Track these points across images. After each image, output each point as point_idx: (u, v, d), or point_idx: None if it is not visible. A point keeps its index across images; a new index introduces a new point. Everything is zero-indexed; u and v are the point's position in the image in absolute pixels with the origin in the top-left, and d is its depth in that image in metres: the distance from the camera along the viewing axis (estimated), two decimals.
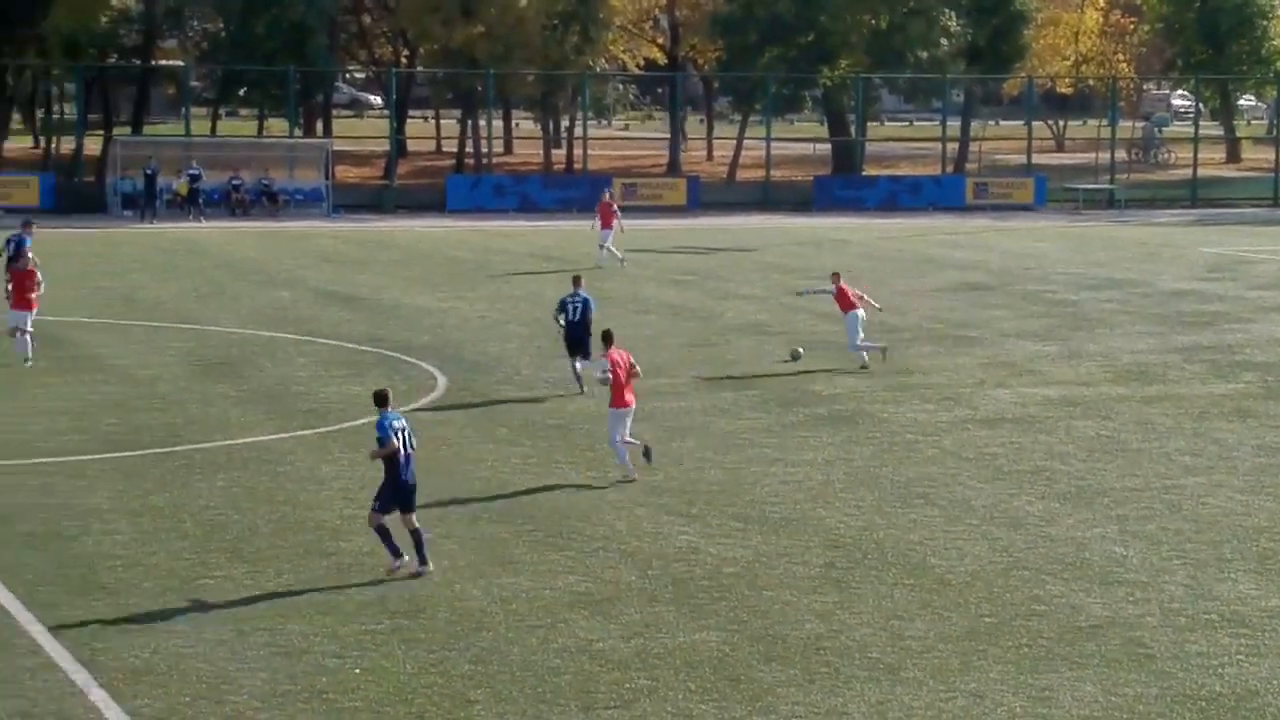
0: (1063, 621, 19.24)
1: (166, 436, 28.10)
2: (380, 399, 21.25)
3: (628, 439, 25.79)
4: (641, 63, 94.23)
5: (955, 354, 37.25)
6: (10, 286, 34.73)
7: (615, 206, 54.22)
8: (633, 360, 26.11)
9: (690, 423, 29.71)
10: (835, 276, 35.85)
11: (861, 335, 35.02)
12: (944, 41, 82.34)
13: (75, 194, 68.69)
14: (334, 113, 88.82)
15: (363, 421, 28.11)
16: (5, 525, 22.38)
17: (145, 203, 66.93)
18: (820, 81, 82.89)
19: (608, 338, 26.51)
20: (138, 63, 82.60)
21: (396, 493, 20.88)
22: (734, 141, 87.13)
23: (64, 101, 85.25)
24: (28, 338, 34.00)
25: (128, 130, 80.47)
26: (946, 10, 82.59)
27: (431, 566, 20.83)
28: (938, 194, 78.87)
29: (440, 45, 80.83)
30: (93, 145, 75.71)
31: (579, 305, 32.27)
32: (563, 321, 32.23)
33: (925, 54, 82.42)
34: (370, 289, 46.67)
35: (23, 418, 29.10)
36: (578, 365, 31.92)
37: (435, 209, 71.95)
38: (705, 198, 76.47)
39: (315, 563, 21.23)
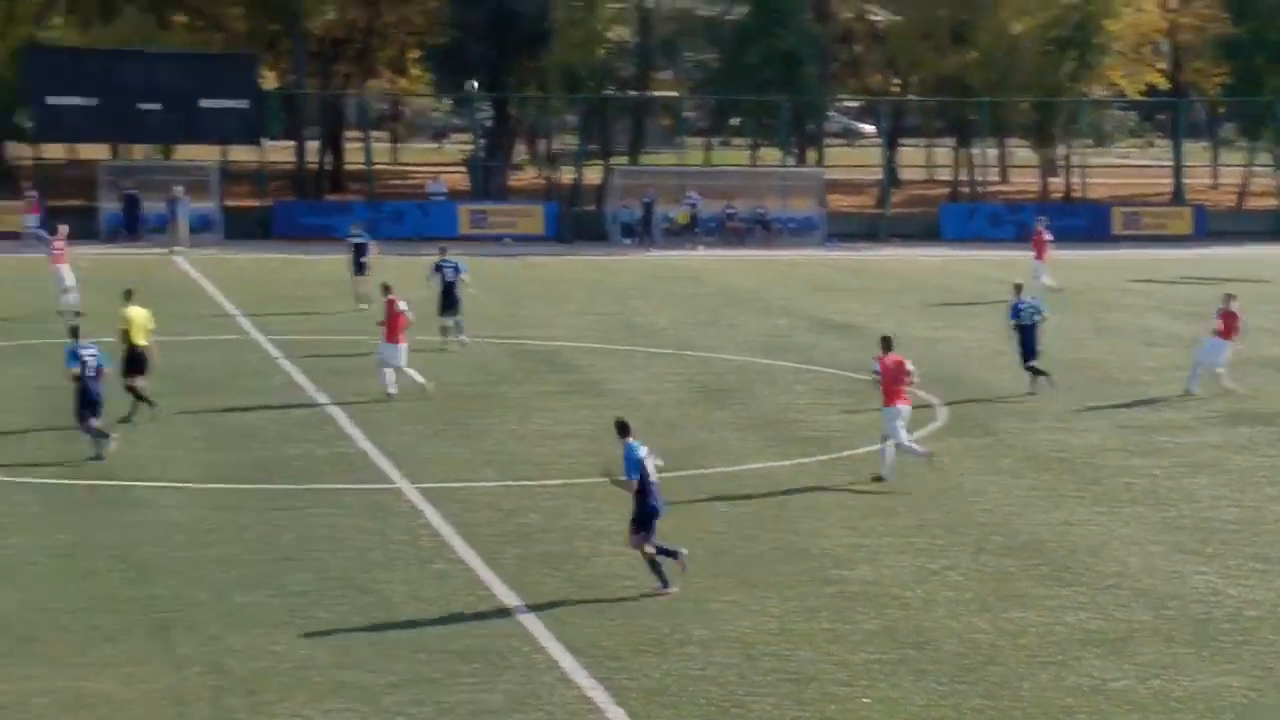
0: None
1: (669, 462, 28.38)
2: (622, 429, 21.19)
3: (908, 444, 26.77)
4: (1143, 88, 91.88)
5: None
6: (386, 319, 33.55)
7: (1049, 237, 52.91)
8: (909, 367, 26.96)
9: (1204, 459, 28.65)
10: (1228, 298, 35.29)
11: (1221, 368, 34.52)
12: None
13: (577, 222, 70.63)
14: (826, 141, 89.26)
15: (864, 450, 27.97)
16: (525, 545, 23.00)
17: (643, 231, 68.47)
18: None
19: (887, 342, 27.19)
20: (634, 94, 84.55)
21: (646, 518, 20.82)
22: (1241, 168, 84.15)
23: (564, 133, 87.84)
24: (389, 372, 32.91)
25: (625, 160, 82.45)
26: None
27: (675, 589, 20.79)
28: None
29: (932, 73, 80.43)
30: (592, 175, 77.80)
31: (1033, 310, 34.50)
32: (1014, 324, 34.64)
33: None
34: (866, 317, 46.57)
35: (534, 440, 29.92)
36: (1035, 363, 34.61)
37: (929, 237, 71.48)
38: (1212, 227, 74.06)
39: (820, 590, 21.18)
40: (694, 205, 69.47)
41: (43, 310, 42.81)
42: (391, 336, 33.07)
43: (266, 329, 42.20)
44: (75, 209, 66.75)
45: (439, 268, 40.23)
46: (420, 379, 33.07)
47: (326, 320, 43.97)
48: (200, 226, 64.38)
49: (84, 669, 18.01)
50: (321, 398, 33.14)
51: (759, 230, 70.39)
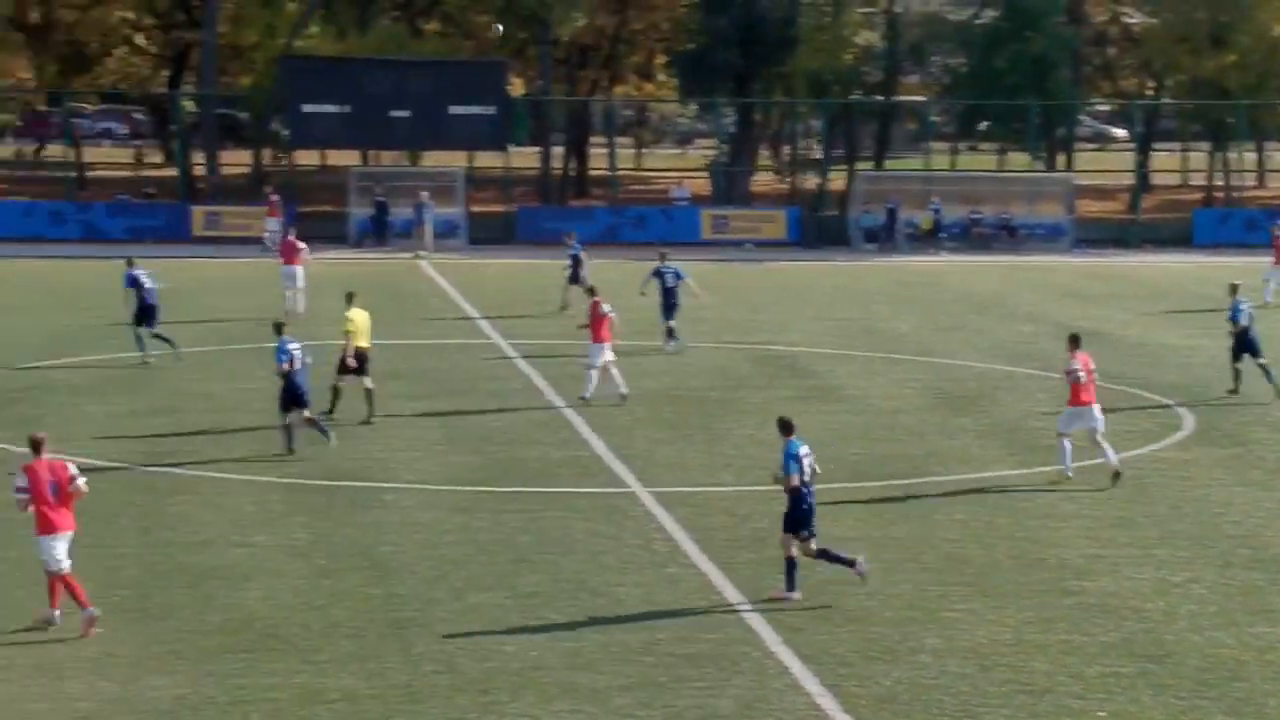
0: None
1: (908, 468, 28.22)
2: (785, 427, 21.02)
3: (1067, 446, 26.81)
4: None
5: None
6: (591, 321, 33.56)
7: None
8: (1092, 366, 27.22)
9: None
10: None
11: None
12: None
13: (819, 227, 70.37)
14: (1076, 146, 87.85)
15: (1099, 461, 27.39)
16: (759, 550, 22.80)
17: (886, 236, 67.99)
18: None
19: (1076, 340, 27.32)
20: (880, 99, 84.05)
21: (800, 517, 20.58)
22: None
23: (808, 138, 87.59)
24: (593, 374, 32.84)
25: (869, 165, 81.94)
26: None
27: (798, 594, 20.57)
28: None
29: (1188, 75, 78.71)
30: (836, 180, 77.42)
31: (1252, 313, 34.71)
32: (1235, 327, 34.47)
33: None
34: (1113, 325, 45.70)
35: (772, 446, 29.37)
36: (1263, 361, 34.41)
37: (1181, 244, 69.89)
38: None
39: (1057, 601, 20.82)
40: (937, 211, 68.80)
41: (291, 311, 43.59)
42: (597, 337, 33.24)
43: (508, 333, 42.67)
44: (325, 214, 68.29)
45: (659, 273, 40.44)
46: (590, 390, 33.03)
47: (567, 325, 44.20)
48: (445, 231, 65.29)
49: (323, 665, 18.32)
50: (559, 401, 33.38)
51: (1005, 236, 69.47)
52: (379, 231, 66.26)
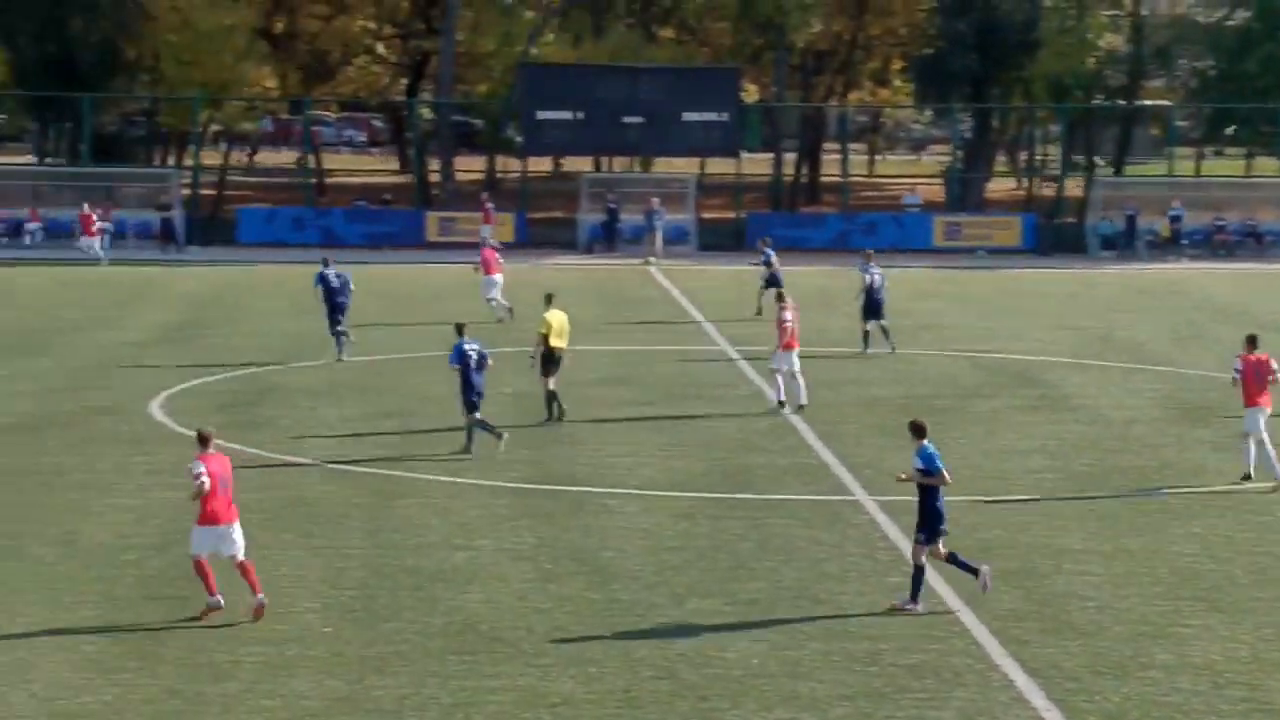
0: None
1: (1141, 479, 27.59)
2: (919, 430, 20.58)
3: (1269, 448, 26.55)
4: None
5: None
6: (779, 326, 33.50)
7: None
8: (1274, 365, 26.97)
9: None
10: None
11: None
12: None
13: (1055, 234, 69.22)
14: None
15: None
16: (983, 561, 22.45)
17: (1125, 243, 66.68)
18: None
19: (1252, 341, 27.33)
20: (1122, 103, 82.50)
21: (935, 520, 20.20)
22: None
23: (1046, 143, 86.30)
24: (779, 379, 33.00)
25: (1109, 171, 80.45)
26: None
27: (921, 607, 20.10)
28: None
29: None
30: (1074, 186, 76.15)
31: None
32: None
33: None
34: None
35: (1001, 455, 29.35)
36: None
37: None
38: None
39: None
40: (1176, 217, 67.27)
41: (503, 319, 43.93)
42: (784, 344, 33.15)
43: (735, 339, 42.54)
44: (556, 220, 68.78)
45: (868, 273, 40.16)
46: (781, 393, 32.93)
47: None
48: (675, 238, 65.40)
49: (544, 669, 18.35)
50: (785, 408, 33.15)
51: (1250, 243, 67.73)
52: (609, 237, 66.55)
